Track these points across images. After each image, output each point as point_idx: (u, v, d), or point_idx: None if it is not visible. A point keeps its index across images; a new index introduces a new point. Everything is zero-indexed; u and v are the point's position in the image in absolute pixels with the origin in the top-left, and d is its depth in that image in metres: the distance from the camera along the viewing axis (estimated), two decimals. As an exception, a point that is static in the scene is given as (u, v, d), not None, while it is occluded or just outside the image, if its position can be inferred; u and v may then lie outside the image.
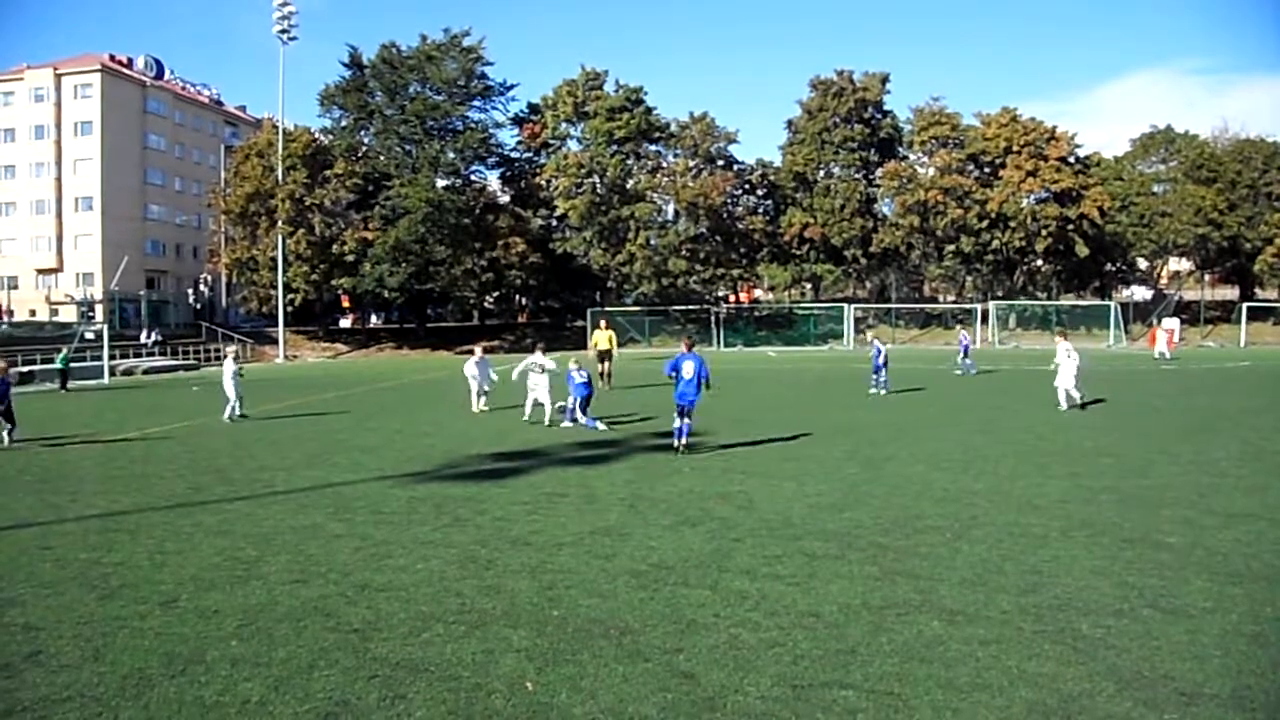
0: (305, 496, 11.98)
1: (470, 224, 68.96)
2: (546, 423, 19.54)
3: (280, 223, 65.13)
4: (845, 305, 73.00)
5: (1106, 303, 75.52)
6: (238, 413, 22.61)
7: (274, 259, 65.57)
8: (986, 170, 75.86)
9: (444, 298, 77.45)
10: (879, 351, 27.68)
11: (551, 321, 79.80)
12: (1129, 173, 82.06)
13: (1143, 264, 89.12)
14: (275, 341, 66.83)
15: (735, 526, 9.82)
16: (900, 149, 79.81)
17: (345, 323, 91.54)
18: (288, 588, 7.76)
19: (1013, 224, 72.83)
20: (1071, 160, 75.32)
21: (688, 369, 15.23)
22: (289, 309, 67.10)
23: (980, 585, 7.59)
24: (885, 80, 77.83)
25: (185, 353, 60.33)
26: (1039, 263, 79.17)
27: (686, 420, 15.27)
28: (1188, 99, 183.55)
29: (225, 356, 23.99)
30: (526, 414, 20.60)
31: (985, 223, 73.18)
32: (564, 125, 73.86)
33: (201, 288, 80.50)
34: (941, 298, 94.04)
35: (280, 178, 65.90)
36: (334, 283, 69.12)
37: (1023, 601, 7.16)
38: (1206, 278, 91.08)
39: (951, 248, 75.85)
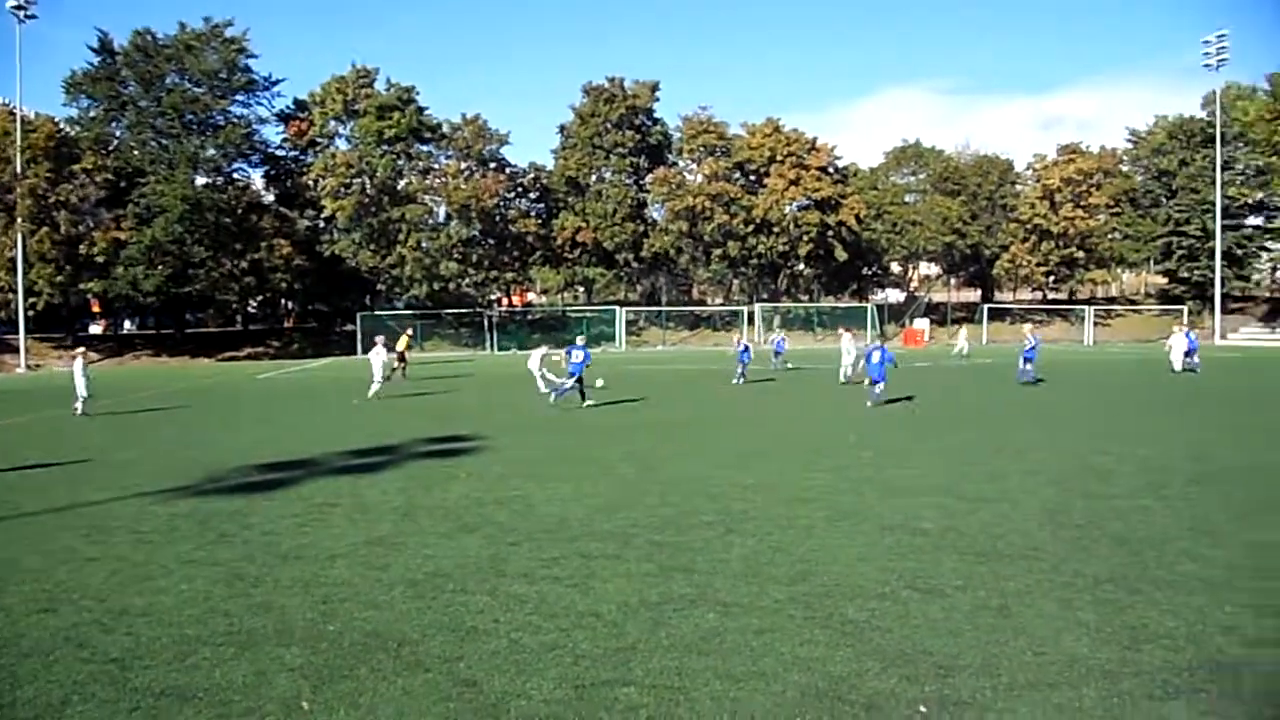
0: (56, 517, 11.11)
1: (232, 224, 65.51)
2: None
3: (20, 220, 60.09)
4: (617, 308, 73.93)
5: (864, 304, 79.63)
6: (80, 410, 24.38)
7: (13, 259, 60.39)
8: (752, 178, 78.64)
9: (204, 302, 73.16)
10: (868, 352, 28.58)
11: (319, 326, 76.98)
12: (883, 183, 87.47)
13: (896, 268, 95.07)
14: (15, 350, 61.61)
15: (512, 531, 9.78)
16: (670, 156, 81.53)
17: (95, 329, 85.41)
18: (35, 618, 7.16)
19: (776, 230, 75.79)
20: (831, 170, 79.12)
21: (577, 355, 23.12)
22: (30, 314, 62.05)
23: (753, 577, 7.87)
24: (655, 88, 79.37)
25: (-92, 364, 54.96)
26: (801, 267, 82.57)
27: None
28: (935, 116, 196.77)
29: (76, 356, 25.56)
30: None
31: (751, 228, 75.82)
32: (332, 123, 71.35)
33: (-74, 291, 73.43)
34: (710, 300, 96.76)
35: (19, 170, 60.79)
36: (82, 286, 64.13)
37: (793, 590, 7.48)
38: (953, 281, 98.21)
39: (719, 252, 78.09)
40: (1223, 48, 74.36)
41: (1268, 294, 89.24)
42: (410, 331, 41.30)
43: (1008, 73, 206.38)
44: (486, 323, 71.64)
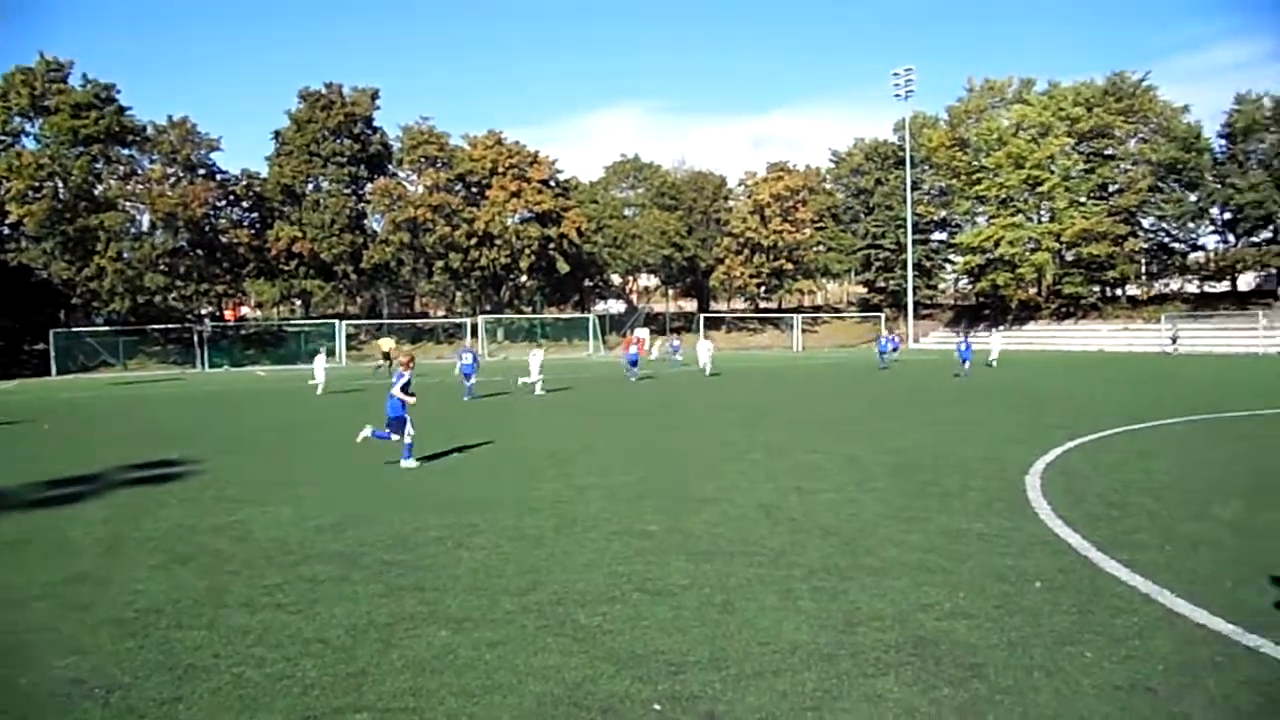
0: None
1: (-103, 229, 58.89)
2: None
3: None
4: (337, 321, 71.60)
5: (586, 316, 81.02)
6: None
7: None
8: (474, 190, 78.57)
9: None
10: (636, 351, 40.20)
11: (6, 344, 69.82)
12: (603, 197, 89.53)
13: (617, 280, 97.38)
14: None
15: (231, 559, 9.20)
16: (390, 166, 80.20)
17: None
18: None
19: (499, 242, 76.07)
20: (552, 183, 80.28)
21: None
22: None
23: (484, 590, 7.81)
24: (375, 96, 77.77)
25: None
26: (524, 279, 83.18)
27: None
28: (654, 132, 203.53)
29: None
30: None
31: (473, 240, 75.77)
32: (17, 120, 65.23)
33: None
34: (432, 313, 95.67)
35: None
36: None
37: (525, 600, 7.47)
38: (671, 292, 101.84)
39: (441, 264, 77.55)
40: (910, 81, 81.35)
41: (952, 301, 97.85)
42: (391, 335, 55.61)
43: (721, 94, 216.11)
44: (196, 338, 67.26)
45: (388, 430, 15.44)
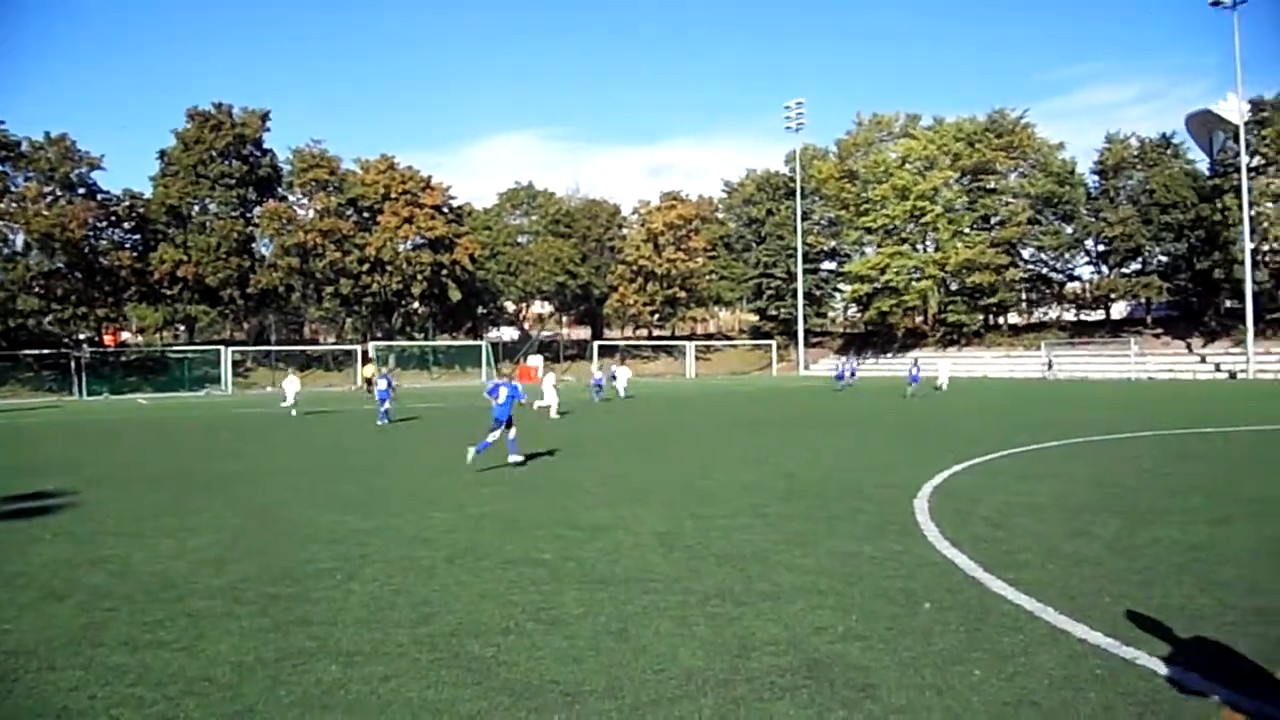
0: None
1: None
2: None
3: None
4: (222, 348, 69.67)
5: (479, 343, 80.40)
6: None
7: None
8: (366, 215, 77.65)
9: None
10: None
11: None
12: (497, 224, 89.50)
13: (511, 307, 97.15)
14: None
15: (109, 595, 8.78)
16: (280, 189, 78.77)
17: None
18: None
19: (390, 268, 75.33)
20: (446, 210, 79.84)
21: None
22: None
23: (375, 623, 7.63)
24: (265, 118, 76.37)
25: None
26: (416, 305, 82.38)
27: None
28: (549, 160, 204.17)
29: None
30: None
31: (365, 266, 74.87)
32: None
33: None
34: (322, 339, 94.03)
35: None
36: None
37: (417, 633, 7.32)
38: (565, 319, 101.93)
39: (331, 290, 76.41)
40: (801, 114, 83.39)
41: (841, 329, 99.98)
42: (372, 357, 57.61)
43: (616, 124, 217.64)
44: (74, 365, 64.73)
45: (486, 440, 17.42)
